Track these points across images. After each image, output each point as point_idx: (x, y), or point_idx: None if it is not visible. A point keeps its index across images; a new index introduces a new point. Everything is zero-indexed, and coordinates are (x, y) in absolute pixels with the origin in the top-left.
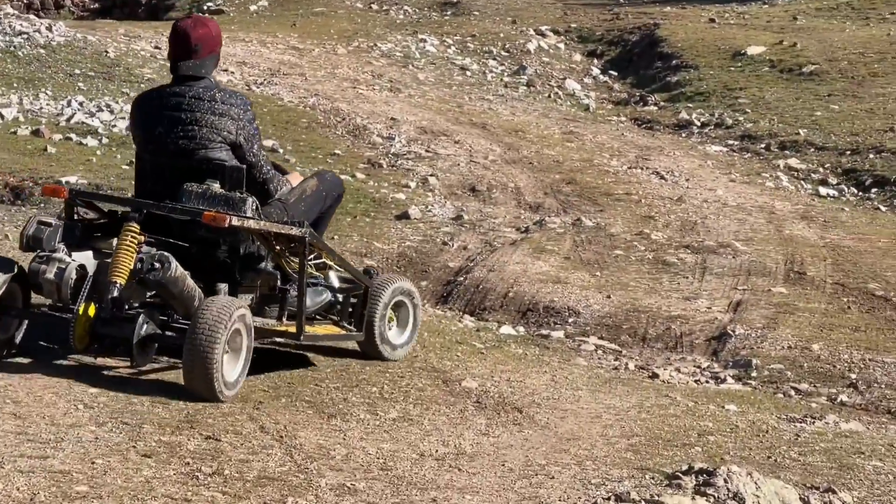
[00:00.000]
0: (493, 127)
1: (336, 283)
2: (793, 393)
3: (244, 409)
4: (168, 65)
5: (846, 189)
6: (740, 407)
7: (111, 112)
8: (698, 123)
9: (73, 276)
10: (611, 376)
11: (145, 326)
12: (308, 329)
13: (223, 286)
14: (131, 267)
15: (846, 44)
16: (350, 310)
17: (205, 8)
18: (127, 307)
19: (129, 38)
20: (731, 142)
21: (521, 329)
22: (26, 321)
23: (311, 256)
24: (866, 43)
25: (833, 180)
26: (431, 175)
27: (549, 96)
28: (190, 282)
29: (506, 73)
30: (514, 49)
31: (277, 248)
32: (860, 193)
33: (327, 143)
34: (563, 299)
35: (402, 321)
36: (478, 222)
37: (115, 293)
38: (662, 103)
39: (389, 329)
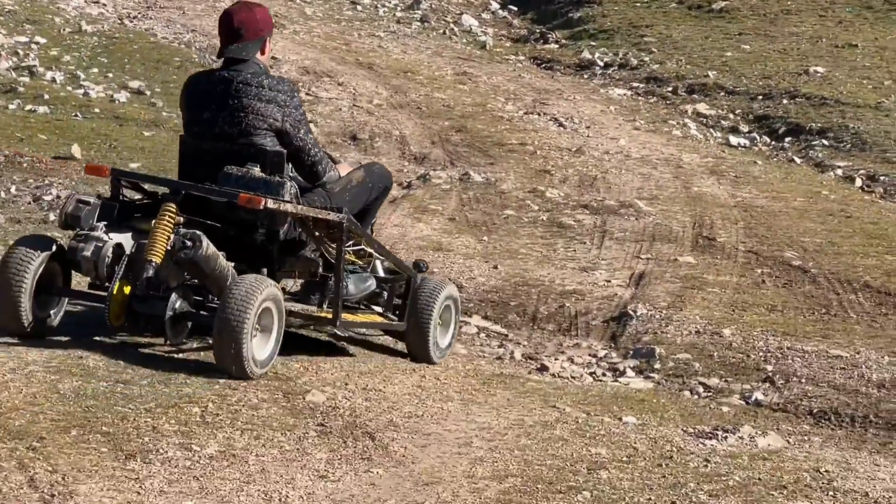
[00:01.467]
0: (380, 67)
1: (381, 272)
2: (701, 390)
3: (16, 450)
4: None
5: (758, 138)
6: (640, 418)
7: None
8: (601, 64)
9: (110, 254)
10: (491, 373)
11: (178, 304)
12: (347, 317)
13: (263, 270)
14: (167, 246)
15: None
16: (395, 301)
17: None
18: (163, 288)
19: None
20: (635, 84)
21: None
22: (65, 300)
23: (351, 243)
24: None
25: (744, 128)
26: (311, 121)
27: (444, 33)
28: (223, 261)
29: (399, 8)
30: None
31: (316, 233)
32: (773, 143)
33: None
34: (443, 271)
35: (445, 323)
36: None
37: (150, 272)
38: (564, 41)
39: (439, 331)
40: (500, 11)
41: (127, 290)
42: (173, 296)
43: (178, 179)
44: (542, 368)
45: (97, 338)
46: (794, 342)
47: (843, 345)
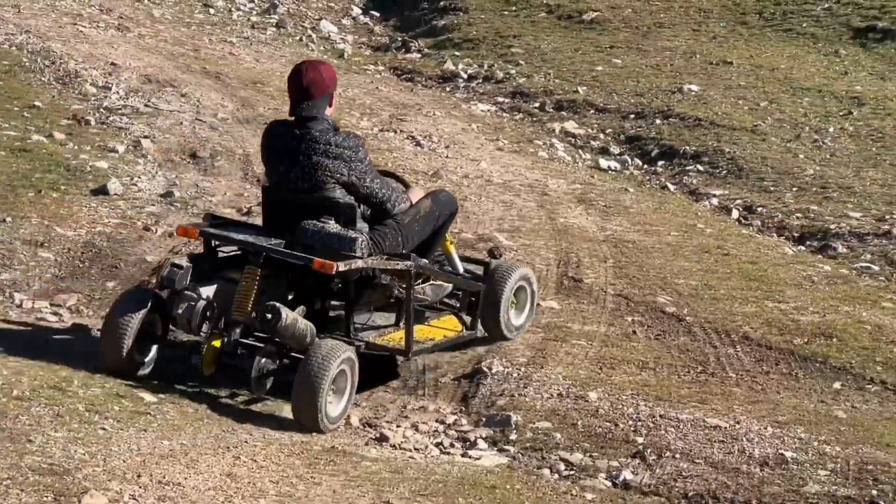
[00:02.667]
0: (228, 77)
1: (460, 269)
2: (562, 467)
3: None
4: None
5: (630, 161)
6: None
7: None
8: (465, 76)
9: (200, 311)
10: (321, 448)
11: (262, 362)
12: (421, 334)
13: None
14: (251, 305)
15: None
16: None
17: None
18: (252, 336)
19: None
20: (500, 99)
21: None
22: (162, 348)
23: (420, 281)
24: None
25: (615, 149)
26: (146, 136)
27: (301, 40)
28: (301, 324)
29: (255, 12)
30: None
31: (387, 277)
32: (646, 166)
33: (28, 91)
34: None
35: (521, 304)
36: (192, 200)
37: (237, 334)
38: (427, 50)
39: (512, 312)
40: (362, 18)
41: (217, 343)
42: (257, 357)
43: (263, 227)
44: (382, 439)
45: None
46: (667, 408)
47: (721, 412)
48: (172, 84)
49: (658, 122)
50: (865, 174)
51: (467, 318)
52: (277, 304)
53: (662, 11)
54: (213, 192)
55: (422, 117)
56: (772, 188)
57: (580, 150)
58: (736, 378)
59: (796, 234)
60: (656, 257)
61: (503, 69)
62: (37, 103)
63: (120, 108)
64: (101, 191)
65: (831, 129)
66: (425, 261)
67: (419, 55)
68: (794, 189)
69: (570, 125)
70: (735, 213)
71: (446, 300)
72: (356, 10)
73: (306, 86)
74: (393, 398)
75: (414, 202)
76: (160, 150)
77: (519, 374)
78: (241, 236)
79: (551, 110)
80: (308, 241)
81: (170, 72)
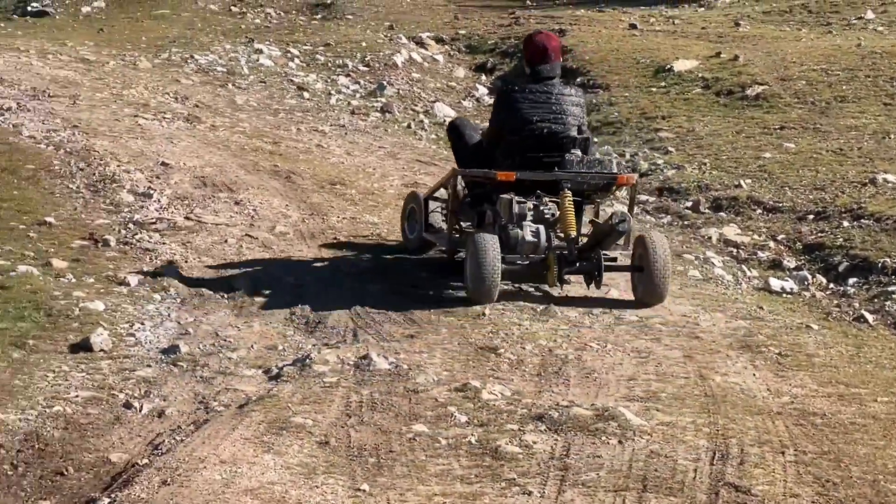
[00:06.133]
0: (302, 177)
1: None
2: None
3: None
4: None
5: (810, 279)
6: None
7: None
8: None
9: (544, 235)
10: None
11: (603, 260)
12: None
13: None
14: (576, 222)
15: (803, 57)
16: None
17: (29, 9)
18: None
19: None
20: (643, 197)
21: None
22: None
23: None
24: (829, 56)
25: (790, 262)
26: (173, 261)
27: (409, 126)
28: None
29: (358, 95)
30: (376, 62)
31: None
32: (832, 285)
33: (46, 203)
34: None
35: None
36: (204, 356)
37: (577, 242)
38: None
39: None
40: (487, 98)
41: (552, 260)
42: (600, 256)
43: (517, 168)
44: None
45: None
46: None
47: None
48: (230, 188)
49: (845, 224)
50: None
51: None
52: (625, 212)
53: (844, 82)
54: (236, 345)
55: None
56: None
57: (744, 266)
58: None
59: None
60: (860, 443)
61: (649, 158)
62: (49, 219)
63: (153, 223)
64: (82, 346)
65: None
66: None
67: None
68: None
69: (731, 231)
70: None
71: None
72: (481, 90)
73: (550, 52)
74: None
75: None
76: (188, 281)
77: None
78: (546, 175)
79: (707, 211)
80: (575, 169)
81: (231, 172)
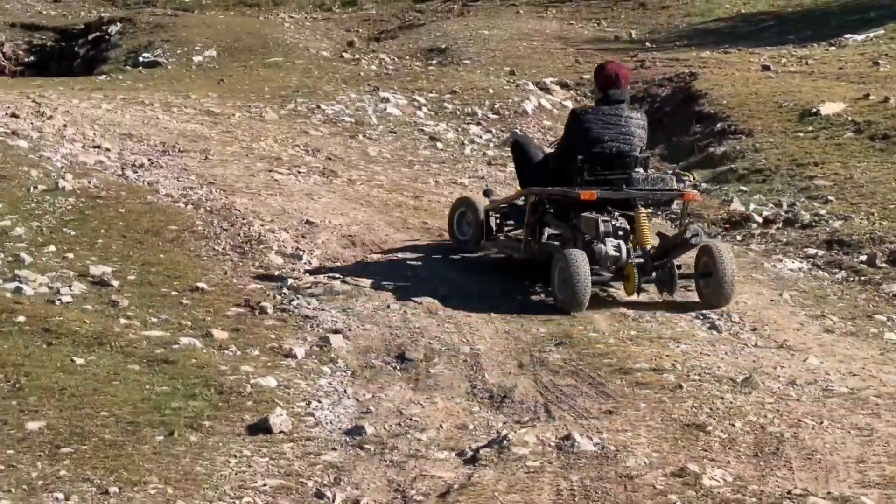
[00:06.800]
0: None
1: None
2: None
3: None
4: None
5: None
6: None
7: None
8: (759, 219)
9: (624, 249)
10: None
11: (676, 271)
12: None
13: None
14: (651, 235)
15: None
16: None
17: (140, 60)
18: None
19: None
20: (813, 251)
21: None
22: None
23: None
24: None
25: None
26: (338, 330)
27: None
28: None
29: (492, 144)
30: (505, 109)
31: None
32: None
33: (195, 267)
34: None
35: None
36: (391, 438)
37: (651, 254)
38: (705, 185)
39: None
40: None
41: (631, 270)
42: (673, 267)
43: (586, 184)
44: None
45: None
46: None
47: None
48: (381, 247)
49: None
50: None
51: None
52: (698, 227)
53: None
54: (423, 424)
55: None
56: None
57: None
58: None
59: None
60: None
61: (809, 209)
62: (201, 284)
63: (309, 287)
64: (261, 427)
65: None
66: None
67: (698, 191)
68: None
69: None
70: None
71: None
72: None
73: (620, 78)
74: None
75: None
76: (356, 351)
77: None
78: (623, 193)
79: (884, 265)
80: (641, 185)
81: (379, 230)
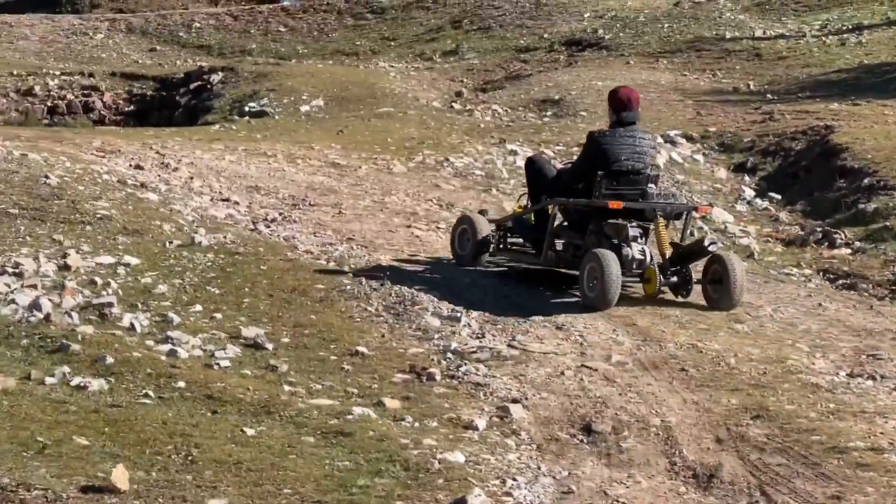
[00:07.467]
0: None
1: None
2: None
3: None
4: None
5: None
6: None
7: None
8: None
9: (649, 254)
10: None
11: (693, 274)
12: None
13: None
14: (667, 243)
15: None
16: None
17: (246, 109)
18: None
19: (102, 154)
20: None
21: None
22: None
23: None
24: None
25: None
26: (516, 399)
27: (692, 234)
28: None
29: None
30: None
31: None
32: None
33: (350, 329)
34: None
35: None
36: None
37: (670, 259)
38: (858, 244)
39: None
40: (759, 202)
41: (651, 272)
42: (691, 272)
43: (606, 198)
44: None
45: None
46: None
47: None
48: (541, 309)
49: None
50: None
51: None
52: (714, 236)
53: None
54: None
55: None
56: None
57: None
58: None
59: None
60: None
61: None
62: (361, 348)
63: (474, 351)
64: None
65: None
66: None
67: (850, 251)
68: None
69: None
70: None
71: None
72: (749, 193)
73: (634, 101)
74: None
75: None
76: (537, 422)
77: None
78: (646, 204)
79: None
80: (654, 200)
81: (533, 286)
